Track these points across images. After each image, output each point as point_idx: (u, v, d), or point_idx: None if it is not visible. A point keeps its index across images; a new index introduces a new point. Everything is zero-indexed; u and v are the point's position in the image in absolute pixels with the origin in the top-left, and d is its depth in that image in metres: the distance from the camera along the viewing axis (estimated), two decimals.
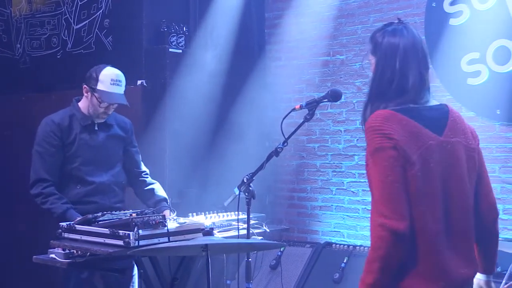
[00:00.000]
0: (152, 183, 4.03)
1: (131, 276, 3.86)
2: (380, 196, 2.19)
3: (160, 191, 4.00)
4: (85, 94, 3.80)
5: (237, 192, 3.17)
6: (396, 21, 2.42)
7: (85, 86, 3.79)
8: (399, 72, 2.31)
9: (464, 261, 2.30)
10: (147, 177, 4.05)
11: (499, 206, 4.57)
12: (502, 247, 4.00)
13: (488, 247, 2.50)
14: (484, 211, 2.46)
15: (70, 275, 3.73)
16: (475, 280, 2.44)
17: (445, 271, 2.22)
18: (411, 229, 2.16)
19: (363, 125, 2.32)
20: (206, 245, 2.71)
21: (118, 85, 3.78)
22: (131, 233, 3.10)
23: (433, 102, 2.36)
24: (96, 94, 3.73)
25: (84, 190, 3.77)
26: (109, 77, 3.75)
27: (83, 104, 3.84)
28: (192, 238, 3.09)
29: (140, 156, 4.08)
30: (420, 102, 2.31)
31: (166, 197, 3.97)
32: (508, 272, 3.81)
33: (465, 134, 2.35)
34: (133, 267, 3.80)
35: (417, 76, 2.30)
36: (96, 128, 3.85)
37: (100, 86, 3.72)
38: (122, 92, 3.81)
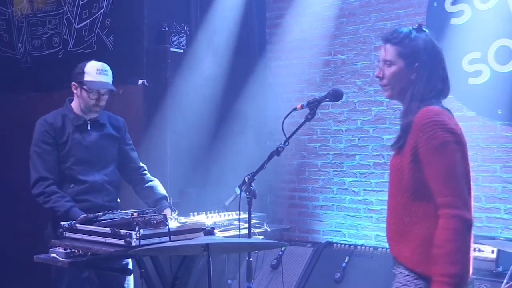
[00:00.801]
0: (151, 180, 4.03)
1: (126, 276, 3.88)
2: (447, 188, 2.31)
3: (159, 188, 4.00)
4: (75, 92, 3.84)
5: (238, 192, 3.16)
6: (416, 25, 2.56)
7: (73, 83, 3.83)
8: (442, 79, 2.51)
9: None
10: (145, 174, 4.05)
11: (501, 206, 4.60)
12: (504, 246, 4.01)
13: None
14: None
15: (62, 275, 3.74)
16: None
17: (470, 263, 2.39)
18: None
19: (407, 120, 2.43)
20: (207, 244, 2.71)
21: (104, 74, 3.82)
22: (132, 232, 3.10)
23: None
24: (84, 87, 3.76)
25: (77, 189, 3.78)
26: (95, 68, 3.80)
27: (75, 104, 3.87)
28: (193, 238, 3.09)
29: (136, 153, 4.09)
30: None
31: (166, 194, 3.97)
32: (509, 272, 3.80)
33: None
34: (127, 264, 3.82)
35: (449, 84, 2.55)
36: (89, 128, 3.87)
37: (87, 78, 3.77)
38: (110, 82, 3.85)
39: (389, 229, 2.51)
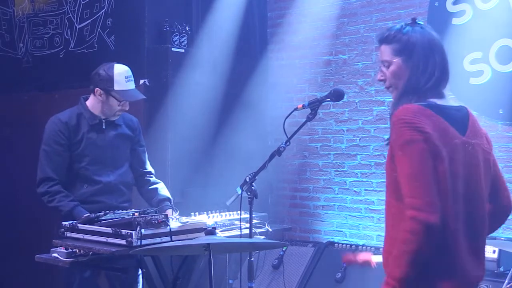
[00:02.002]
0: (156, 183, 4.03)
1: (137, 276, 3.86)
2: (410, 189, 2.18)
3: (163, 190, 4.00)
4: (99, 97, 3.76)
5: (239, 192, 3.17)
6: (410, 21, 2.48)
7: (97, 89, 3.75)
8: (440, 66, 2.40)
9: (478, 264, 2.33)
10: (151, 177, 4.05)
11: None
12: (505, 247, 4.00)
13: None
14: (497, 214, 2.52)
15: (73, 276, 3.72)
16: None
17: (461, 271, 2.25)
18: None
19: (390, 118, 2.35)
20: (209, 244, 2.71)
21: (131, 80, 3.81)
22: (133, 232, 3.10)
23: (451, 102, 2.44)
24: (115, 95, 3.72)
25: (91, 190, 3.77)
26: (123, 75, 3.76)
27: (92, 104, 3.82)
28: (195, 238, 3.09)
29: (147, 155, 4.08)
30: (444, 100, 2.40)
31: (170, 196, 3.97)
32: (511, 272, 3.80)
33: (481, 137, 2.42)
34: (137, 266, 3.80)
35: (448, 71, 2.43)
36: (104, 127, 3.84)
37: (117, 86, 3.72)
38: (135, 87, 3.84)
39: (384, 231, 2.43)
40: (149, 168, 4.07)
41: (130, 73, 3.81)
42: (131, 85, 3.79)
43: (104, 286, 3.91)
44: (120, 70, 3.77)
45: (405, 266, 2.15)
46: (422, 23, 2.49)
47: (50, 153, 3.74)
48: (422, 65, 2.39)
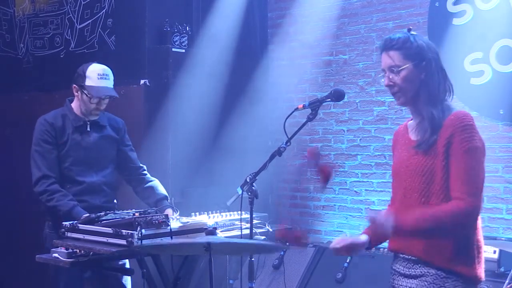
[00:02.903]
0: (151, 180, 4.03)
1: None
2: (470, 189, 2.39)
3: (160, 188, 4.00)
4: (76, 94, 3.84)
5: (240, 192, 3.16)
6: (406, 30, 2.61)
7: (74, 85, 3.84)
8: (444, 71, 2.57)
9: None
10: (145, 174, 4.06)
11: (502, 206, 4.59)
12: (506, 247, 4.00)
13: None
14: None
15: (60, 274, 3.74)
16: None
17: None
18: None
19: (437, 121, 2.47)
20: (209, 243, 2.71)
21: (106, 78, 3.82)
22: (134, 232, 3.10)
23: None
24: (85, 91, 3.77)
25: (74, 190, 3.78)
26: (96, 72, 3.79)
27: (75, 105, 3.88)
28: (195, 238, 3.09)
29: (135, 153, 4.09)
30: None
31: (167, 194, 3.97)
32: (511, 272, 3.80)
33: None
34: (124, 265, 3.85)
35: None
36: (89, 129, 3.87)
37: (88, 82, 3.77)
38: (111, 86, 3.85)
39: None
40: (140, 164, 4.09)
41: (107, 72, 3.83)
42: (104, 83, 3.80)
43: (101, 285, 3.91)
44: (95, 68, 3.81)
45: (427, 229, 2.41)
46: (415, 33, 2.60)
47: (43, 152, 3.76)
48: (437, 73, 2.51)
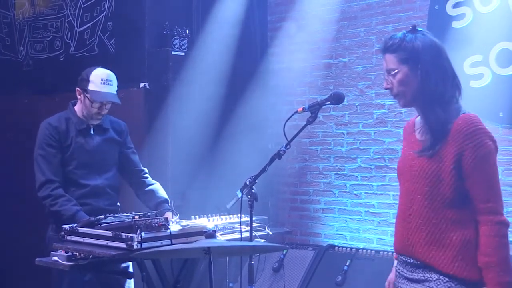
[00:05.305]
0: (152, 184, 4.04)
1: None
2: (492, 195, 2.43)
3: (161, 191, 4.00)
4: (79, 97, 3.86)
5: (239, 195, 3.16)
6: (410, 28, 2.55)
7: (77, 88, 3.85)
8: (451, 67, 2.52)
9: None
10: (147, 178, 4.07)
11: None
12: None
13: None
14: None
15: (63, 278, 3.73)
16: None
17: None
18: None
19: (438, 125, 2.47)
20: (209, 248, 2.71)
21: (109, 84, 3.82)
22: (134, 235, 3.10)
23: None
24: (88, 95, 3.78)
25: (78, 193, 3.79)
26: (99, 77, 3.80)
27: (78, 108, 3.89)
28: (195, 241, 3.09)
29: (137, 156, 4.10)
30: None
31: (167, 198, 3.98)
32: None
33: None
34: (127, 267, 3.84)
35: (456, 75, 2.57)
36: (92, 132, 3.88)
37: (91, 87, 3.78)
38: (114, 92, 3.86)
39: (418, 236, 2.49)
40: (142, 167, 4.09)
41: (111, 78, 3.84)
42: (106, 88, 3.80)
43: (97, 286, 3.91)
44: (99, 73, 3.82)
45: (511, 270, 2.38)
46: (422, 29, 2.54)
47: (47, 156, 3.76)
48: (435, 74, 2.46)
